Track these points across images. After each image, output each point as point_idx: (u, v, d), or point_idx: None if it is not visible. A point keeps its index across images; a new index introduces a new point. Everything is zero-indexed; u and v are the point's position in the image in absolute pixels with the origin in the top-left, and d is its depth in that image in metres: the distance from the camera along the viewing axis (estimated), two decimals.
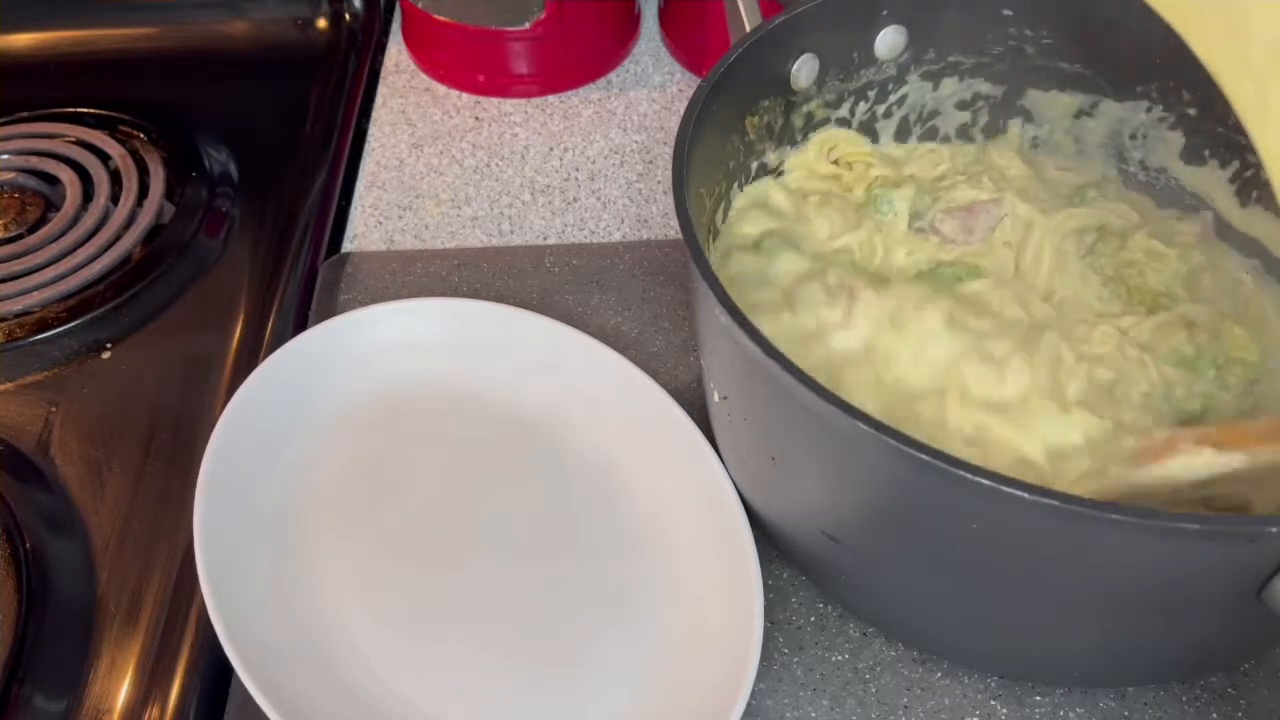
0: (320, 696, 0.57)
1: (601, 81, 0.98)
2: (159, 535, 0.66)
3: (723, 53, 0.60)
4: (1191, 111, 0.68)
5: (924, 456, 0.44)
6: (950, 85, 0.71)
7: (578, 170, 0.90)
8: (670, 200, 0.60)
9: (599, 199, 0.88)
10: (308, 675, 0.58)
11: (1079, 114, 0.71)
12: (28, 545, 0.63)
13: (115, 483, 0.68)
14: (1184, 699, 0.59)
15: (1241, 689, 0.59)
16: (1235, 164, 0.67)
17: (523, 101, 0.96)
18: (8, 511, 0.64)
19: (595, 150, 0.92)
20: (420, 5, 0.94)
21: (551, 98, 0.97)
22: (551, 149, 0.92)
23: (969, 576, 0.51)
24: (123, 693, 0.60)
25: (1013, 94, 0.71)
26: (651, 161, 0.91)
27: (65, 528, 0.66)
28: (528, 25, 0.92)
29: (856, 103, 0.70)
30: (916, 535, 0.50)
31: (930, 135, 0.73)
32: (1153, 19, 0.63)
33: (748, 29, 0.63)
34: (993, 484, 0.43)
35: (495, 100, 0.96)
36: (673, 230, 0.84)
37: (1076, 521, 0.43)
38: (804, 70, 0.65)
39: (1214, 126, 0.67)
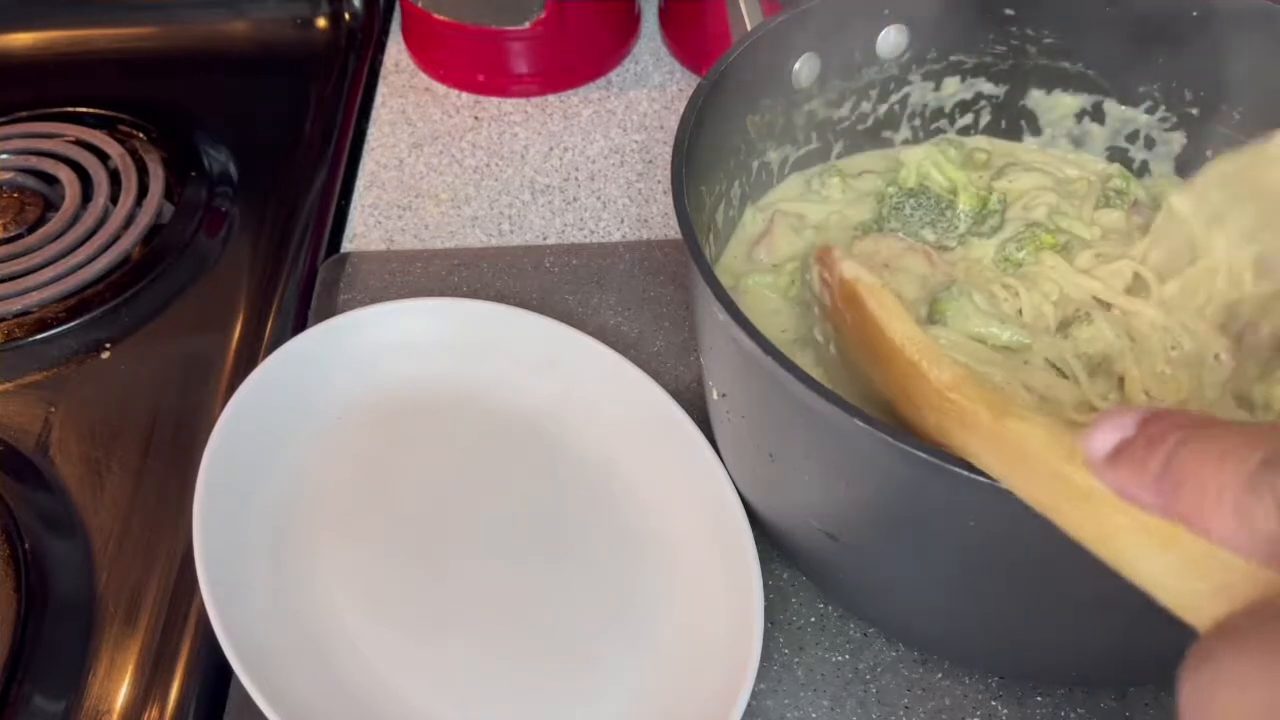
0: (320, 697, 0.57)
1: (601, 81, 0.98)
2: (159, 535, 0.66)
3: (723, 52, 0.60)
4: (1194, 112, 0.68)
5: (921, 454, 0.44)
6: (952, 85, 0.71)
7: (578, 170, 0.90)
8: (670, 200, 0.60)
9: (599, 199, 0.88)
10: (308, 676, 0.58)
11: (1081, 114, 0.71)
12: (27, 545, 0.63)
13: (115, 483, 0.68)
14: None
15: None
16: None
17: (522, 101, 0.96)
18: (7, 512, 0.64)
19: (595, 150, 0.92)
20: (420, 4, 0.94)
21: (551, 97, 0.97)
22: (551, 149, 0.92)
23: (967, 574, 0.51)
24: (122, 693, 0.60)
25: (1015, 94, 0.71)
26: (652, 161, 0.91)
27: (65, 528, 0.66)
28: (528, 25, 0.92)
29: (859, 102, 0.70)
30: (915, 533, 0.50)
31: (935, 136, 0.73)
32: (1155, 20, 0.64)
33: (749, 27, 0.63)
34: (989, 481, 0.43)
35: (495, 100, 0.96)
36: (673, 230, 0.84)
37: None
38: (805, 69, 0.65)
39: (1216, 126, 0.67)
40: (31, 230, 0.82)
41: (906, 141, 0.73)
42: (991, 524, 0.46)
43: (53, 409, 0.72)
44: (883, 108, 0.71)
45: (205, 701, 0.61)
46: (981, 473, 0.43)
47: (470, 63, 0.96)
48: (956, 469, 0.43)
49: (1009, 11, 0.67)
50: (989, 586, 0.51)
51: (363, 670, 0.59)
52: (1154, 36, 0.66)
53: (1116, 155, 0.72)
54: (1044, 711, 0.58)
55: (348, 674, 0.59)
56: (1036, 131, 0.73)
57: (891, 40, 0.67)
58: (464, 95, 0.97)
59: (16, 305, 0.77)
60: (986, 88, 0.71)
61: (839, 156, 0.72)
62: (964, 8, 0.67)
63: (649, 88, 0.97)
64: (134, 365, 0.75)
